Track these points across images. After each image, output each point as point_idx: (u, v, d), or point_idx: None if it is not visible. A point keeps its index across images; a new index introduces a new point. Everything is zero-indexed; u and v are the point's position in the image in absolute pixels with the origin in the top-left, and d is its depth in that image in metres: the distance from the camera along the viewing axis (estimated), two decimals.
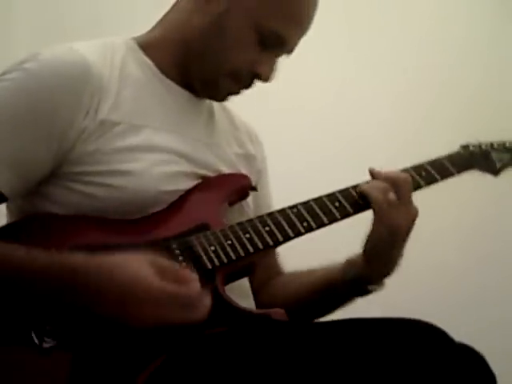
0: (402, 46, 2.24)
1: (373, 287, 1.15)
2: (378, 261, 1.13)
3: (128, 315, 0.90)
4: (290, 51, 1.16)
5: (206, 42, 1.11)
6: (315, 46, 2.12)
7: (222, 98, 1.18)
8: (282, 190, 1.31)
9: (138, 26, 1.17)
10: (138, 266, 0.91)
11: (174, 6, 1.18)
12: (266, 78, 1.14)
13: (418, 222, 1.12)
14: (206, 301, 0.92)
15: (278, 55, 1.15)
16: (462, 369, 0.90)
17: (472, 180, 1.30)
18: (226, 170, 1.18)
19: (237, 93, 1.17)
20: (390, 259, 1.13)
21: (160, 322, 0.90)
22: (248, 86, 1.16)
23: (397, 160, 1.18)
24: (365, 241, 1.13)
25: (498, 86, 2.26)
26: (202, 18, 1.11)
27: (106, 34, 1.14)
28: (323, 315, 1.21)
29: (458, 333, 0.93)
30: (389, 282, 1.16)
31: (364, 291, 1.16)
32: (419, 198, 1.15)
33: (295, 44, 1.15)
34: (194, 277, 0.93)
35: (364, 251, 1.14)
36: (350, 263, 1.16)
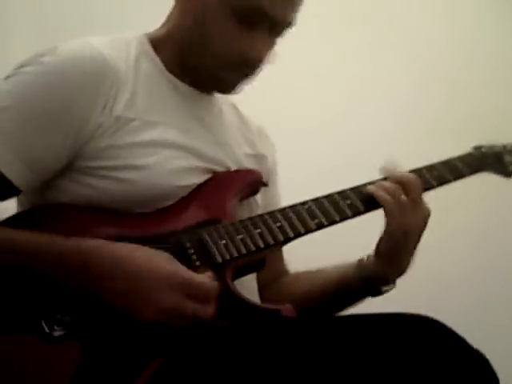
0: (408, 50, 2.25)
1: (385, 287, 1.15)
2: (390, 261, 1.12)
3: (138, 304, 0.91)
4: (286, 25, 1.11)
5: (196, 41, 1.10)
6: (322, 50, 2.15)
7: (230, 89, 1.16)
8: (292, 189, 1.31)
9: (135, 25, 1.18)
10: (150, 253, 0.93)
11: (174, 4, 1.17)
12: (255, 61, 1.10)
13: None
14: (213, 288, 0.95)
15: (272, 33, 1.11)
16: (466, 369, 0.89)
17: (482, 181, 1.30)
18: (234, 168, 1.18)
19: (243, 82, 1.14)
20: (402, 260, 1.13)
21: (170, 311, 0.91)
22: (252, 72, 1.13)
23: (405, 161, 1.17)
24: (378, 241, 1.13)
25: (505, 90, 2.25)
26: (191, 16, 1.11)
27: (103, 33, 1.13)
28: (333, 314, 1.20)
29: (466, 333, 0.93)
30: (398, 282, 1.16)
31: (376, 291, 1.16)
32: (429, 198, 1.15)
33: (286, 14, 1.09)
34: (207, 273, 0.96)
35: (377, 251, 1.14)
36: (362, 263, 1.16)
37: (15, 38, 1.89)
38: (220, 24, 1.08)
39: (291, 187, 1.37)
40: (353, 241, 1.63)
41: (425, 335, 0.90)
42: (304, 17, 1.13)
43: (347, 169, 1.98)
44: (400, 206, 1.10)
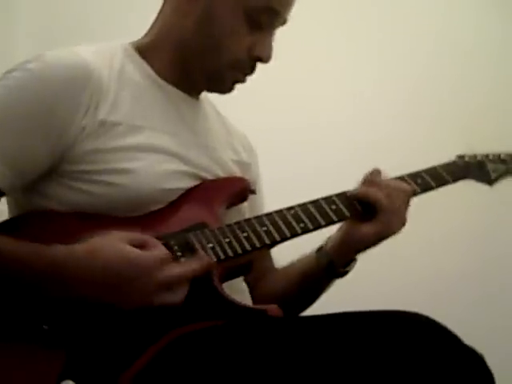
0: (411, 51, 2.26)
1: (348, 268, 1.21)
2: (354, 252, 1.19)
3: (113, 296, 0.93)
4: (284, 21, 1.16)
5: (199, 41, 1.13)
6: (323, 48, 2.13)
7: (229, 88, 1.19)
8: (278, 194, 1.33)
9: (135, 27, 1.20)
10: (111, 242, 0.95)
11: (160, 11, 1.20)
12: (267, 59, 1.15)
13: (425, 225, 1.13)
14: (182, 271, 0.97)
15: (273, 30, 1.16)
16: (459, 367, 0.90)
17: (476, 186, 1.32)
18: (221, 173, 1.20)
19: (242, 80, 1.18)
20: (354, 253, 1.19)
21: (143, 297, 0.94)
22: (252, 71, 1.17)
23: (401, 165, 1.21)
24: (350, 236, 1.16)
25: (509, 90, 2.27)
26: (191, 17, 1.13)
27: (103, 36, 1.16)
28: (309, 304, 1.26)
29: (463, 335, 0.94)
30: (395, 284, 1.17)
31: (339, 274, 1.21)
32: (427, 202, 1.18)
33: (288, 10, 1.15)
34: (158, 242, 0.98)
35: (342, 242, 1.18)
36: (322, 251, 1.21)
37: (17, 39, 1.90)
38: (229, 23, 1.11)
39: (279, 190, 1.39)
40: None
41: (417, 332, 0.91)
42: (304, 15, 1.18)
43: (343, 171, 1.99)
44: (392, 209, 1.14)
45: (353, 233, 1.16)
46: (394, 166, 1.18)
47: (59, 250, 0.95)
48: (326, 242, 1.22)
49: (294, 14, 1.16)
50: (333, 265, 1.19)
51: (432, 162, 1.25)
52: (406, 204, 1.16)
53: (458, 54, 2.27)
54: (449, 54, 2.27)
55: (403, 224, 1.16)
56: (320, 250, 1.22)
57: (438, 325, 0.93)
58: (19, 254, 0.95)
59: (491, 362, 0.93)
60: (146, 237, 0.99)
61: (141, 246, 0.96)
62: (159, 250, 0.97)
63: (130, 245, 0.96)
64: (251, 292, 1.22)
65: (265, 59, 1.15)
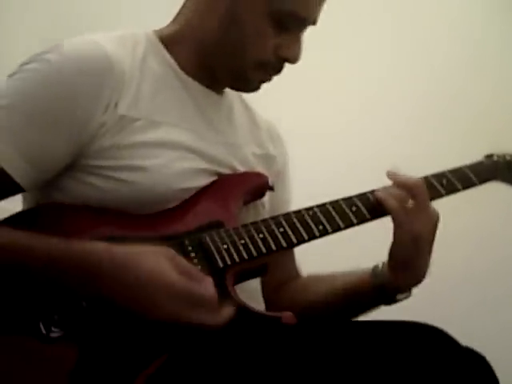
0: (419, 53, 2.25)
1: (400, 296, 1.13)
2: (403, 269, 1.10)
3: (142, 305, 0.90)
4: (313, 23, 1.12)
5: (223, 41, 1.10)
6: (334, 52, 2.15)
7: (254, 88, 1.15)
8: (301, 193, 1.30)
9: (140, 22, 1.17)
10: (155, 258, 0.92)
11: (186, 2, 1.15)
12: (294, 60, 1.11)
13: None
14: (227, 311, 0.93)
15: (302, 31, 1.12)
16: (465, 372, 0.89)
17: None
18: (242, 169, 1.17)
19: (269, 80, 1.14)
20: (416, 267, 1.10)
21: (174, 318, 0.90)
22: (279, 70, 1.13)
23: (417, 165, 1.16)
24: (389, 250, 1.11)
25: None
26: (214, 16, 1.09)
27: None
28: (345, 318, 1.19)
29: (471, 338, 0.94)
30: None
31: (391, 300, 1.13)
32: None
33: (316, 13, 1.11)
34: (207, 278, 0.93)
35: (389, 259, 1.12)
36: (377, 270, 1.14)
37: (16, 38, 1.90)
38: (256, 24, 1.07)
39: (303, 190, 1.36)
40: (364, 246, 1.62)
41: (424, 343, 0.89)
42: (319, 20, 1.13)
43: (358, 172, 1.98)
44: (407, 212, 1.08)
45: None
46: (410, 166, 1.13)
47: (94, 248, 0.93)
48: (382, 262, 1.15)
49: None
50: (384, 288, 1.12)
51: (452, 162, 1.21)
52: (426, 201, 1.10)
53: (466, 57, 2.26)
54: (457, 57, 2.26)
55: (432, 222, 1.09)
56: (375, 268, 1.15)
57: (444, 333, 0.91)
58: (46, 248, 0.93)
59: (498, 363, 0.93)
60: (194, 269, 0.95)
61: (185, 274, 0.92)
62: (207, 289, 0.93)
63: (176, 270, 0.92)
64: (270, 298, 1.19)
65: (292, 60, 1.11)
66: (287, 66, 1.13)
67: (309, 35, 1.13)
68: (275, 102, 1.74)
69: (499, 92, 2.23)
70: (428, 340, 0.90)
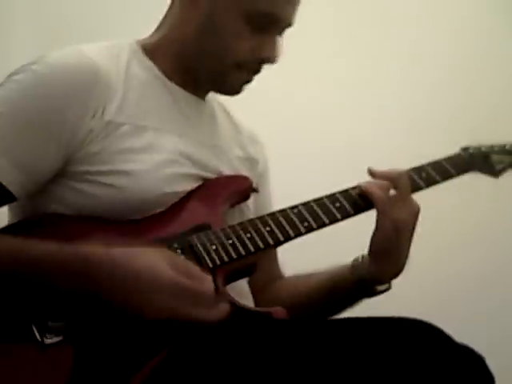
0: (410, 49, 2.25)
1: (381, 287, 1.15)
2: (385, 260, 1.12)
3: (141, 304, 0.91)
4: (289, 24, 1.15)
5: (202, 44, 1.12)
6: (322, 48, 2.13)
7: (236, 90, 1.17)
8: (282, 192, 1.32)
9: (136, 27, 1.19)
10: (153, 257, 0.93)
11: (168, 10, 1.19)
12: (271, 60, 1.13)
13: (429, 223, 1.12)
14: (223, 307, 0.95)
15: (279, 32, 1.14)
16: (460, 369, 0.89)
17: (487, 183, 1.30)
18: (228, 172, 1.19)
19: (249, 81, 1.16)
20: (397, 257, 1.12)
21: (172, 316, 0.91)
22: (257, 71, 1.15)
23: (397, 161, 1.18)
24: (371, 240, 1.13)
25: (498, 87, 2.26)
26: (192, 20, 1.12)
27: (103, 36, 1.14)
28: (330, 317, 1.20)
29: (471, 338, 0.94)
30: (402, 286, 1.16)
31: (372, 292, 1.16)
32: (433, 198, 1.16)
33: (291, 15, 1.13)
34: (207, 276, 0.95)
35: (370, 250, 1.14)
36: (356, 263, 1.17)
37: (16, 40, 1.89)
38: (231, 26, 1.10)
39: (287, 190, 1.38)
40: (347, 242, 1.63)
41: (419, 339, 0.90)
42: (306, 15, 1.16)
43: (345, 169, 1.98)
44: (390, 200, 1.11)
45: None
46: (392, 163, 1.16)
47: (93, 249, 0.94)
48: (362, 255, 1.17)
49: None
50: (364, 280, 1.14)
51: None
52: (407, 191, 1.13)
53: (459, 54, 2.26)
54: (450, 54, 2.25)
55: (413, 212, 1.11)
56: (355, 262, 1.17)
57: (438, 330, 0.92)
58: (43, 252, 0.94)
59: (498, 363, 0.94)
60: (193, 267, 0.96)
61: (183, 272, 0.94)
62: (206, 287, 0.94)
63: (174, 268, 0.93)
64: (254, 296, 1.20)
65: (270, 60, 1.13)
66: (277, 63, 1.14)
67: (297, 29, 1.14)
68: (260, 102, 1.75)
69: (475, 88, 2.26)
70: (421, 336, 0.90)
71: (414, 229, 1.12)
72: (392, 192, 1.11)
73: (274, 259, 1.31)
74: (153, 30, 1.20)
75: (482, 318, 2.07)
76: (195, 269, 0.96)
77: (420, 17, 2.28)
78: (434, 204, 1.17)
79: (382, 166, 1.17)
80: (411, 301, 1.16)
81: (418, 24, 2.25)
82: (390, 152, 1.49)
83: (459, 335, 0.93)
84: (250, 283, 1.20)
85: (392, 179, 1.13)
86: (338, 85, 2.17)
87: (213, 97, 1.24)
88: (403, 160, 1.21)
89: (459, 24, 2.28)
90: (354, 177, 1.17)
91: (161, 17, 1.19)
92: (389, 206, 1.10)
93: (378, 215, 1.11)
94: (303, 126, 2.08)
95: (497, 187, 1.31)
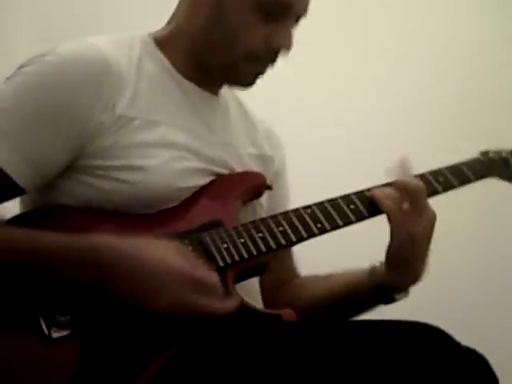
0: (416, 50, 2.25)
1: (398, 295, 1.13)
2: (402, 269, 1.10)
3: (149, 293, 0.91)
4: (303, 12, 1.12)
5: (212, 34, 1.10)
6: (330, 49, 2.16)
7: (249, 81, 1.15)
8: (301, 191, 1.30)
9: (139, 24, 1.18)
10: (164, 248, 0.94)
11: (179, 2, 1.17)
12: (285, 49, 1.10)
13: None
14: (231, 301, 0.95)
15: (292, 21, 1.11)
16: (465, 372, 0.89)
17: (487, 182, 1.28)
18: (238, 169, 1.17)
19: (263, 72, 1.14)
20: (413, 267, 1.10)
21: (180, 304, 0.91)
22: (272, 61, 1.13)
23: (414, 163, 1.16)
24: (386, 251, 1.11)
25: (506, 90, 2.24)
26: (202, 11, 1.10)
27: (105, 33, 1.13)
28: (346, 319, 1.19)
29: (471, 338, 0.94)
30: None
31: (389, 299, 1.14)
32: (434, 201, 1.14)
33: (303, 2, 1.11)
34: (212, 271, 0.96)
35: (386, 260, 1.12)
36: (375, 270, 1.15)
37: (17, 39, 1.90)
38: (242, 15, 1.08)
39: (300, 189, 1.37)
40: (362, 244, 1.62)
41: (423, 342, 0.90)
42: (315, 17, 1.14)
43: (356, 170, 1.98)
44: (403, 214, 1.08)
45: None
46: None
47: (104, 239, 0.94)
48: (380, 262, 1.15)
49: None
50: (382, 287, 1.13)
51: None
52: (423, 203, 1.10)
53: (463, 54, 2.27)
54: (455, 54, 2.26)
55: (429, 223, 1.09)
56: (373, 268, 1.15)
57: (444, 333, 0.92)
58: (51, 242, 0.94)
59: (498, 364, 0.93)
60: (199, 261, 0.97)
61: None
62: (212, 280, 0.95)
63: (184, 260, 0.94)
64: (268, 295, 1.19)
65: (283, 49, 1.10)
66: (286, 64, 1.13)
67: (307, 33, 1.13)
68: (274, 102, 1.74)
69: (496, 89, 2.24)
70: (427, 339, 0.90)
71: (431, 239, 1.10)
72: (405, 205, 1.08)
73: (290, 259, 1.30)
74: (155, 28, 1.18)
75: (482, 310, 2.07)
76: (201, 262, 0.97)
77: (425, 16, 2.29)
78: (432, 197, 1.14)
79: (404, 164, 1.14)
80: (411, 295, 1.15)
81: (429, 25, 2.28)
82: (409, 151, 1.47)
83: (458, 328, 0.93)
84: (264, 281, 1.18)
85: (406, 191, 1.09)
86: (350, 90, 2.20)
87: (229, 93, 1.23)
88: (418, 160, 1.19)
89: (461, 21, 2.30)
90: (364, 178, 1.15)
91: (165, 14, 1.17)
92: (401, 218, 1.07)
93: (391, 227, 1.09)
94: (321, 126, 2.08)
95: (496, 181, 1.29)
